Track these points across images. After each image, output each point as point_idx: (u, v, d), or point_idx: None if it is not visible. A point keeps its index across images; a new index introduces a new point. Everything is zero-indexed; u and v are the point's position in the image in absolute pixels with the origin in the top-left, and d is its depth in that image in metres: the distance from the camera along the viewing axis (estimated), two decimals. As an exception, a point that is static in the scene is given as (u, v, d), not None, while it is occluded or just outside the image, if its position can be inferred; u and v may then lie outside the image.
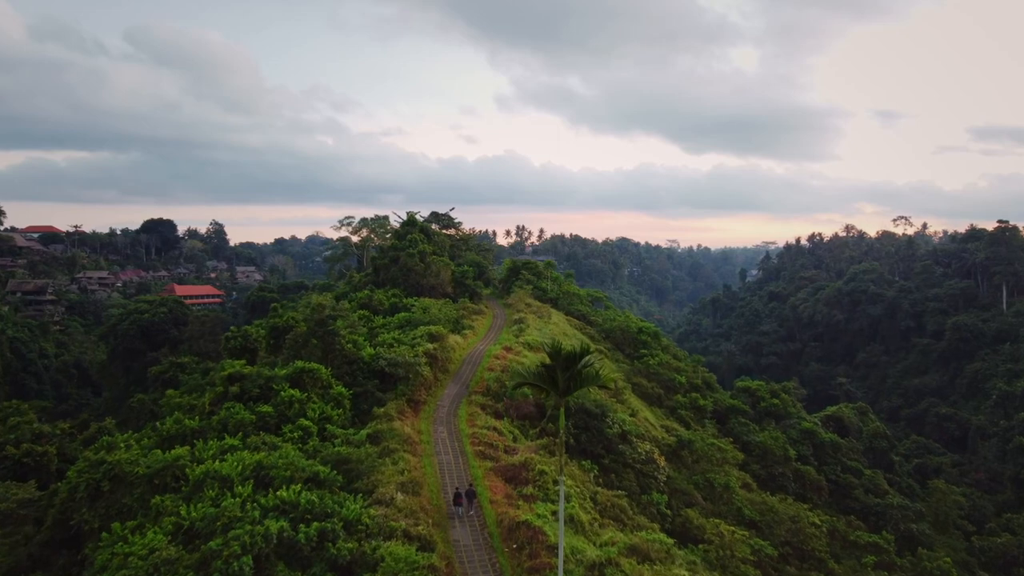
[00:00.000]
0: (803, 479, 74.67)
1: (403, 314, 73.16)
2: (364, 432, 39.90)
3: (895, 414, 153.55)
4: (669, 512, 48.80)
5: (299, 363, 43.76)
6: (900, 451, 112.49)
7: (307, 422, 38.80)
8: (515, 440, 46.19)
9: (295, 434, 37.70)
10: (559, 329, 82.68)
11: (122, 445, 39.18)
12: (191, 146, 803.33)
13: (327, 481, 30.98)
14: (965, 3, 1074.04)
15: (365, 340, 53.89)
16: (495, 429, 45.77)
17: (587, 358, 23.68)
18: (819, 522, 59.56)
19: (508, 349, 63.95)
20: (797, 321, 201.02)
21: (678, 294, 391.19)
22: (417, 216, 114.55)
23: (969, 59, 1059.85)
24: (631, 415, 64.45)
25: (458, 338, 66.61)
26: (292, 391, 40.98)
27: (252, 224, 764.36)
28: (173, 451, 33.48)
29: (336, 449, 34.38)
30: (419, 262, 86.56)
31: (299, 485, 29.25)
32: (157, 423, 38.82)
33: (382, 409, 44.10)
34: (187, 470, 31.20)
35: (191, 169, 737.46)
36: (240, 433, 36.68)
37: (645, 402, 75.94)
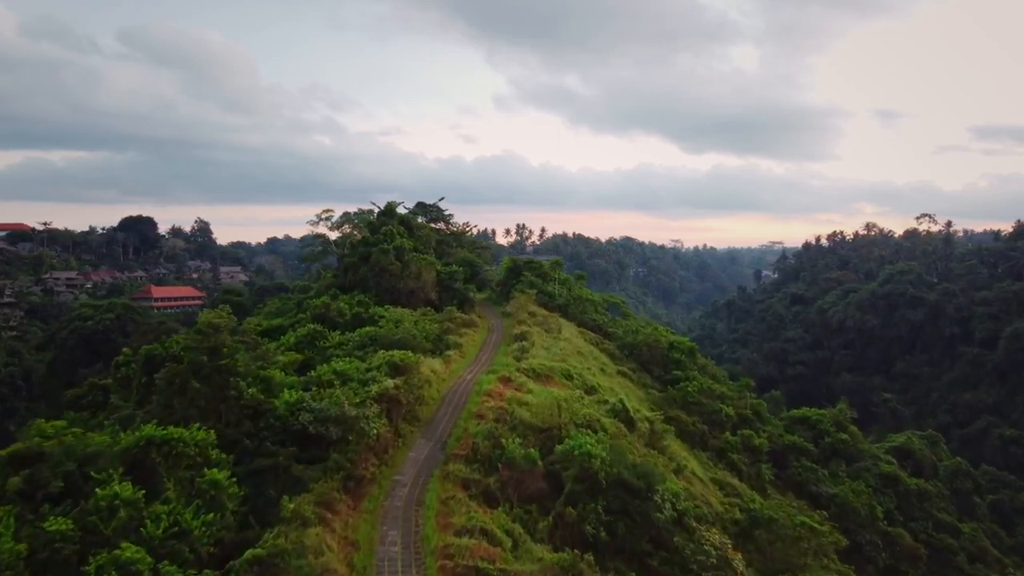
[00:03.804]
0: (894, 545, 56.77)
1: (367, 329, 55.21)
2: (240, 565, 21.99)
3: (945, 434, 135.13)
4: (757, 651, 31.07)
5: (147, 429, 25.78)
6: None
7: (134, 552, 20.82)
8: (516, 547, 28.28)
9: (104, 579, 19.75)
10: (572, 346, 64.67)
11: None
12: (191, 146, 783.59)
13: None
14: (966, 2, 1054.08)
15: (289, 376, 35.95)
16: (484, 532, 27.75)
17: None
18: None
19: (506, 381, 45.92)
20: (825, 327, 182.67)
21: (686, 296, 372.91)
22: (400, 207, 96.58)
23: (970, 57, 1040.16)
24: (676, 470, 46.62)
25: (438, 363, 48.66)
26: (121, 486, 23.00)
27: (252, 224, 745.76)
28: None
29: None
30: (394, 260, 68.51)
31: None
32: None
33: (293, 504, 26.18)
34: None
35: (191, 169, 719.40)
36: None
37: (686, 443, 58.01)
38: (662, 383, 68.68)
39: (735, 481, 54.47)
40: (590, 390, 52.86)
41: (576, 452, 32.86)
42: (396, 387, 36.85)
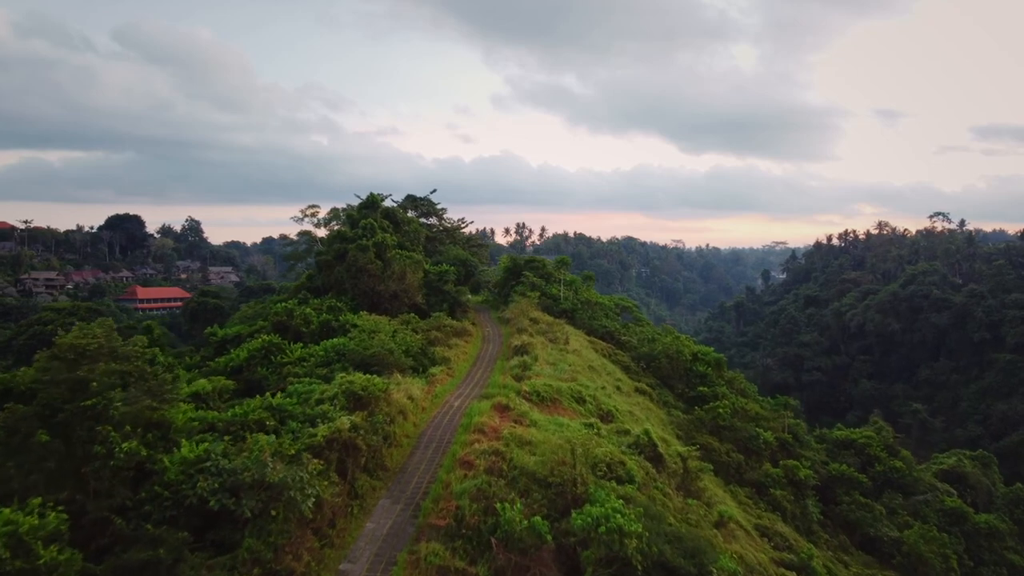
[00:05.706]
0: (970, 601, 47.13)
1: (336, 340, 45.46)
2: None
3: (976, 446, 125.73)
4: None
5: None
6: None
7: None
8: None
9: None
10: (582, 360, 54.83)
11: None
12: (186, 146, 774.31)
13: None
14: (966, 2, 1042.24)
15: (211, 413, 26.14)
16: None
17: None
18: None
19: (503, 410, 36.10)
20: (842, 330, 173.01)
21: (690, 297, 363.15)
22: (388, 200, 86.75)
23: (970, 57, 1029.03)
24: (717, 522, 36.75)
25: (418, 385, 38.83)
26: None
27: (250, 224, 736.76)
28: None
29: None
30: (374, 259, 58.70)
31: None
32: None
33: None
34: None
35: (188, 169, 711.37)
36: None
37: (719, 477, 48.25)
38: (686, 401, 59.04)
39: (783, 527, 44.70)
40: (606, 416, 43.18)
41: (602, 529, 23.08)
42: (353, 427, 27.02)
